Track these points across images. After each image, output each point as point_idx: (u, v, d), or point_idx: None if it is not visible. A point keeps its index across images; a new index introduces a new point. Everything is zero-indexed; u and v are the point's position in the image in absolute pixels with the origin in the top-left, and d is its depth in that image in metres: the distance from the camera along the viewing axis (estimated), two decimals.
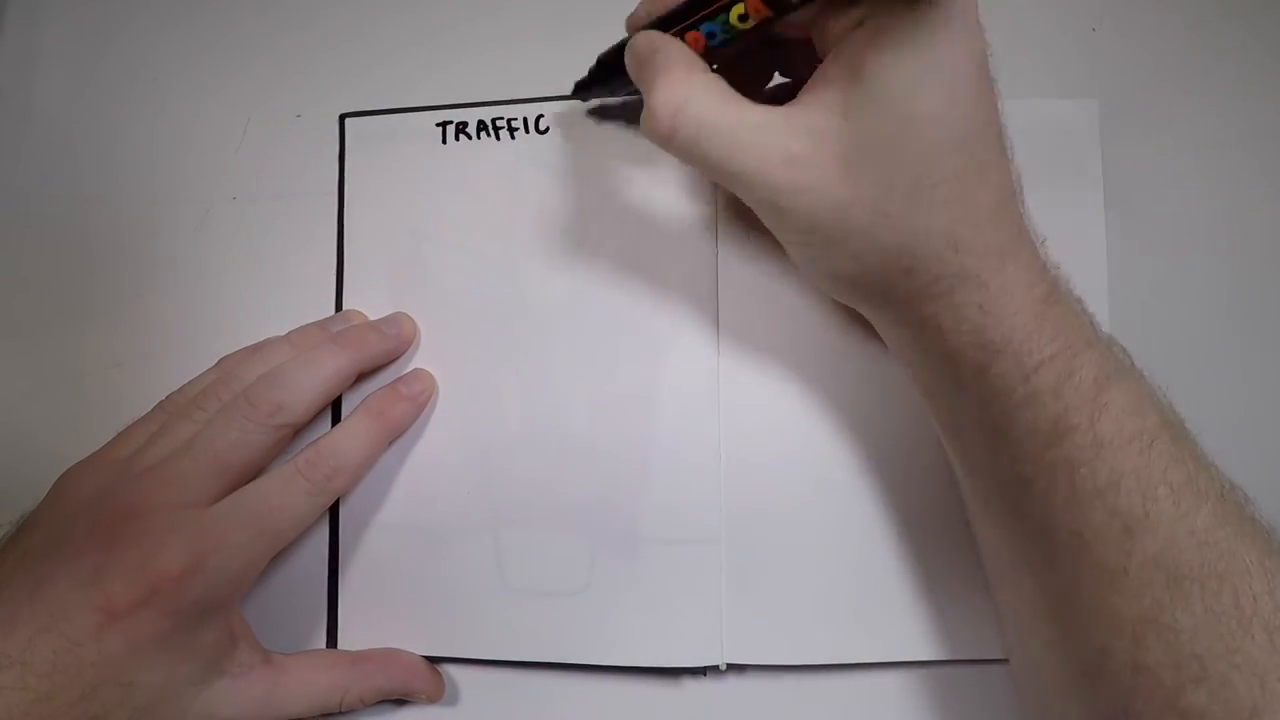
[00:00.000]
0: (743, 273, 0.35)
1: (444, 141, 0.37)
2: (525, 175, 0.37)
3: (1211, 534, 0.25)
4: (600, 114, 0.37)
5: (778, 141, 0.25)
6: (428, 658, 0.35)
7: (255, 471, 0.32)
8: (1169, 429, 0.26)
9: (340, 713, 0.33)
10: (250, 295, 0.36)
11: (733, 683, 0.34)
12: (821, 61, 0.27)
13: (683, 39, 0.28)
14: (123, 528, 0.29)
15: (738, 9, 0.27)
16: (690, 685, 0.34)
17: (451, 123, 0.37)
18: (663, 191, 0.36)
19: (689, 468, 0.35)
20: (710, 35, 0.28)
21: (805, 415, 0.35)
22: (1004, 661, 0.33)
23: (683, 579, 0.34)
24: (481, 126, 0.37)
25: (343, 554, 0.35)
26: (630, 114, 0.36)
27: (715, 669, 0.34)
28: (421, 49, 0.39)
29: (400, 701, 0.34)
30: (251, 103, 0.39)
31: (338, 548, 0.35)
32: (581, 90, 0.35)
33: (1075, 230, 0.36)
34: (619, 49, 0.32)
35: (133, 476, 0.30)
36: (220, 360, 0.35)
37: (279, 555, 0.35)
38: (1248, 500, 0.27)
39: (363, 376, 0.35)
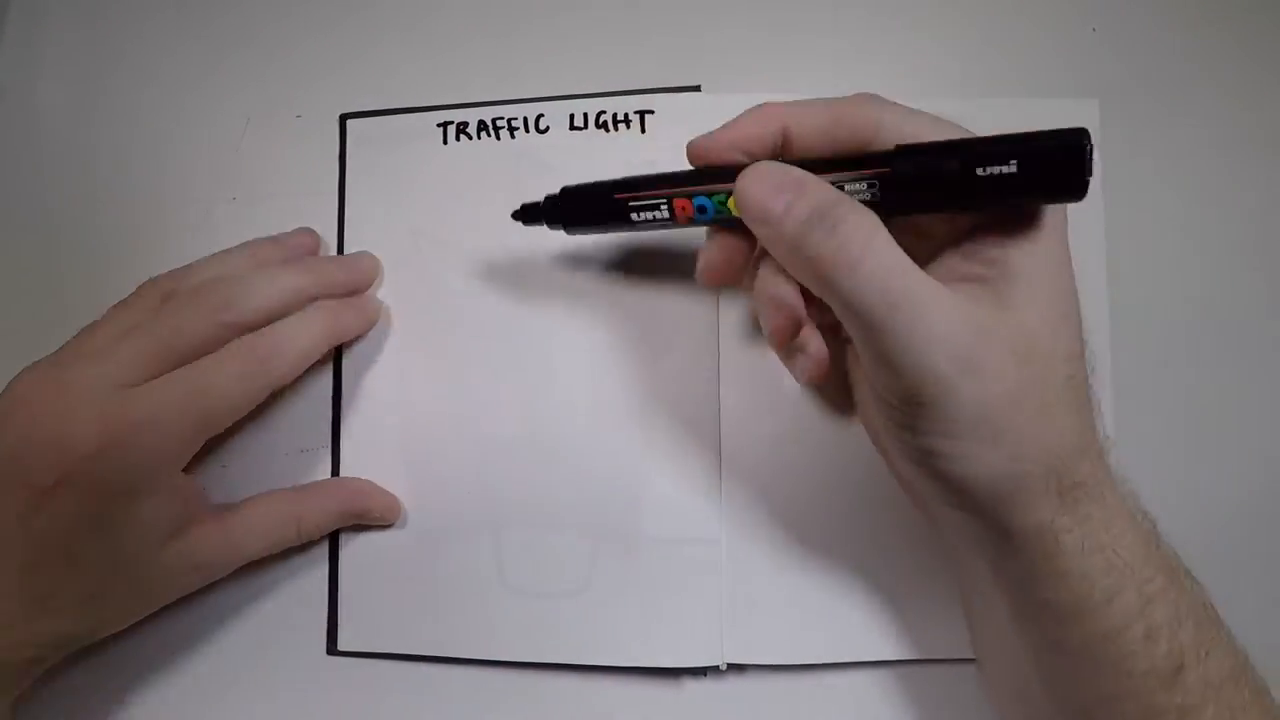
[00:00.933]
0: None
1: (445, 142, 0.37)
2: (526, 175, 0.37)
3: None
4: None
5: (961, 311, 0.23)
6: (428, 658, 0.35)
7: (192, 360, 0.31)
8: (1247, 667, 0.27)
9: (300, 543, 0.34)
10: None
11: (733, 682, 0.34)
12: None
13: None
14: (47, 406, 0.28)
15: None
16: (690, 685, 0.34)
17: (452, 123, 0.37)
18: None
19: (689, 468, 0.35)
20: (701, 210, 0.27)
21: (805, 415, 0.35)
22: None
23: (683, 579, 0.34)
24: (482, 127, 0.37)
25: (343, 554, 0.35)
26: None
27: (715, 669, 0.34)
28: (422, 49, 0.39)
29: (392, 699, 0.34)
30: (252, 103, 0.39)
31: (338, 548, 0.35)
32: (530, 217, 0.32)
33: (1075, 230, 0.36)
34: (594, 195, 0.30)
35: (69, 361, 0.30)
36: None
37: (279, 555, 0.35)
38: None
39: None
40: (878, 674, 0.34)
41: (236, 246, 0.35)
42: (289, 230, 0.37)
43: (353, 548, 0.35)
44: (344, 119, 0.38)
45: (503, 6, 0.39)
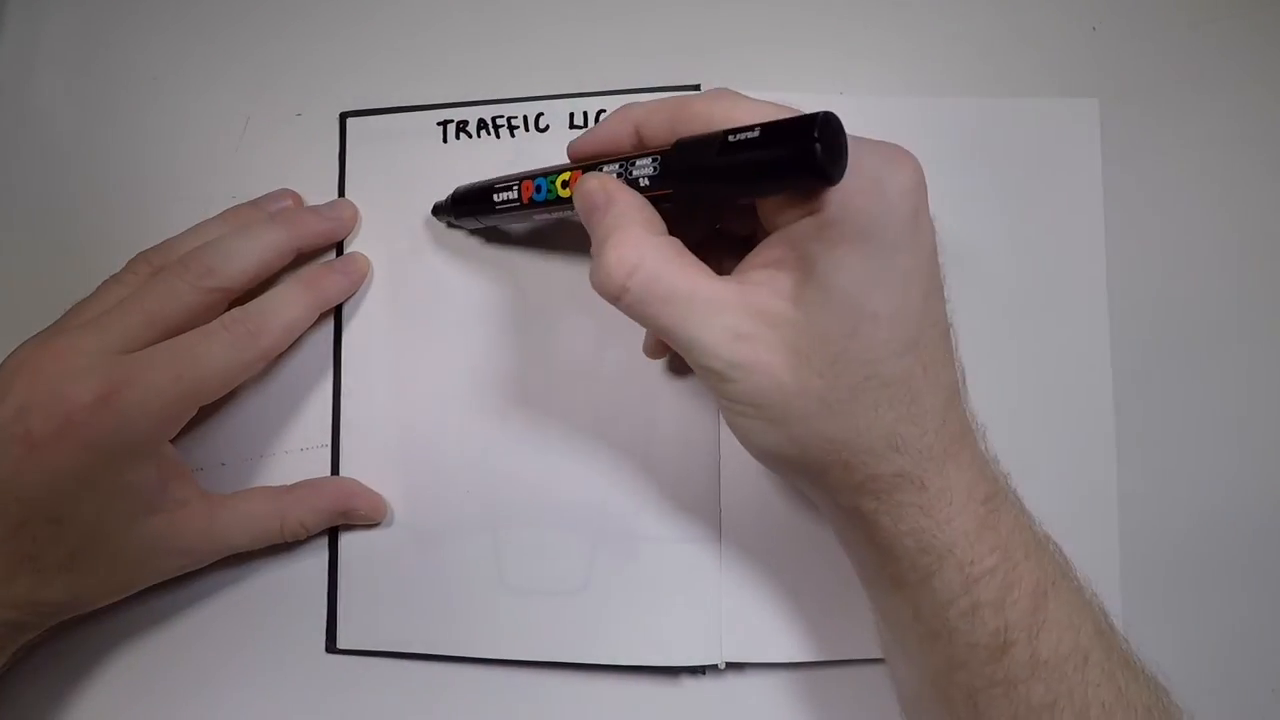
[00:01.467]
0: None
1: (444, 140, 0.37)
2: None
3: None
4: None
5: (730, 317, 0.25)
6: (426, 656, 0.35)
7: (183, 330, 0.32)
8: (1102, 639, 0.27)
9: (284, 541, 0.34)
10: (250, 295, 0.36)
11: (732, 681, 0.34)
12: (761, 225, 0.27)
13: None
14: (45, 369, 0.29)
15: (564, 176, 0.29)
16: (689, 684, 0.34)
17: (452, 121, 0.37)
18: None
19: (689, 468, 0.35)
20: (537, 189, 0.30)
21: None
22: None
23: (682, 579, 0.34)
24: (482, 125, 0.37)
25: (343, 554, 0.35)
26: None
27: (714, 668, 0.34)
28: (422, 47, 0.39)
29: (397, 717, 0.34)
30: (251, 101, 0.39)
31: (338, 548, 0.35)
32: (438, 212, 0.36)
33: (1075, 230, 0.36)
34: (472, 190, 0.33)
35: (63, 331, 0.31)
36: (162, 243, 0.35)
37: (279, 555, 0.35)
38: (1177, 708, 0.27)
39: (302, 258, 0.36)
40: (877, 673, 0.34)
41: (221, 213, 0.36)
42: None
43: (352, 546, 0.35)
44: (344, 117, 0.38)
45: (503, 5, 0.39)
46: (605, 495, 0.35)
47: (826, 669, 0.34)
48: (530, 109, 0.37)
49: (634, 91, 0.37)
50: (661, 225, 0.27)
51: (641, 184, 0.27)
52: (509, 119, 0.37)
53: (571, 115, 0.37)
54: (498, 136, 0.37)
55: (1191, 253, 0.37)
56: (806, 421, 0.25)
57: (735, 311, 0.25)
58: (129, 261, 0.34)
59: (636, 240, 0.26)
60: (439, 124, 0.37)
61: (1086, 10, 0.38)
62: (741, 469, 0.35)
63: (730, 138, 0.25)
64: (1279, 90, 0.37)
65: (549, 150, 0.36)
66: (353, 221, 0.37)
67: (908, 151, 0.25)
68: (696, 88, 0.37)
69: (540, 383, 0.36)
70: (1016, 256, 0.36)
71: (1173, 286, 0.36)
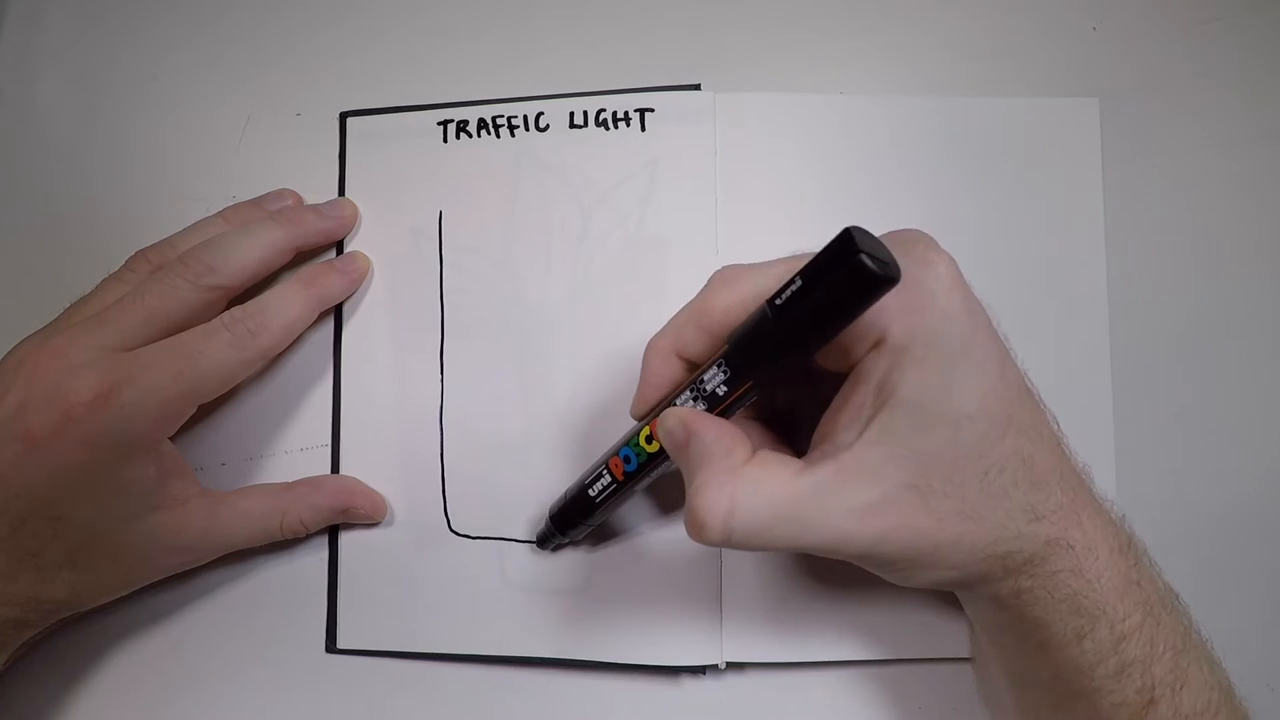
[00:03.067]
0: None
1: (445, 140, 0.37)
2: (526, 173, 0.37)
3: None
4: None
5: (842, 502, 0.25)
6: (427, 656, 0.35)
7: (183, 328, 0.32)
8: (1228, 696, 0.27)
9: (284, 538, 0.34)
10: (249, 294, 0.36)
11: (732, 681, 0.34)
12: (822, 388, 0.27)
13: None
14: (45, 367, 0.29)
15: (644, 432, 0.29)
16: (689, 683, 0.34)
17: (452, 121, 0.37)
18: (663, 196, 0.36)
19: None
20: (626, 459, 0.29)
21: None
22: None
23: (683, 578, 0.34)
24: (482, 124, 0.37)
25: (342, 552, 0.35)
26: None
27: (714, 667, 0.34)
28: (422, 47, 0.39)
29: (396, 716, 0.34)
30: (251, 101, 0.39)
31: (338, 548, 0.35)
32: (544, 543, 0.34)
33: (1075, 229, 0.36)
34: (567, 503, 0.32)
35: (63, 328, 0.31)
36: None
37: (279, 554, 0.35)
38: None
39: (302, 257, 0.36)
40: (877, 673, 0.34)
41: (220, 211, 0.36)
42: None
43: (352, 545, 0.35)
44: (344, 117, 0.38)
45: (503, 5, 0.39)
46: None
47: (826, 669, 0.34)
48: (530, 109, 0.37)
49: (634, 90, 0.37)
50: (745, 447, 0.26)
51: (720, 394, 0.26)
52: (509, 118, 0.37)
53: (571, 115, 0.37)
54: (498, 136, 0.37)
55: (1191, 253, 0.37)
56: (958, 545, 0.25)
57: (843, 490, 0.25)
58: (129, 259, 0.34)
59: (719, 480, 0.25)
60: (439, 123, 0.37)
61: (1086, 10, 0.38)
62: None
63: (776, 300, 0.24)
64: (1278, 90, 0.37)
65: (549, 150, 0.37)
66: (353, 220, 0.37)
67: (926, 236, 0.25)
68: (697, 87, 0.37)
69: (540, 382, 0.36)
70: (1016, 256, 0.36)
71: (1173, 286, 0.36)
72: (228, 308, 0.33)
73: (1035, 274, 0.36)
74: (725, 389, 0.26)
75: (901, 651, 0.34)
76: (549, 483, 0.35)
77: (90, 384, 0.29)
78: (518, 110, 0.37)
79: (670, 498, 0.34)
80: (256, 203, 0.36)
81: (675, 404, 0.27)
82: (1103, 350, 0.35)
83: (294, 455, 0.36)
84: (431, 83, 0.38)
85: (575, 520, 0.32)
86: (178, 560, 0.33)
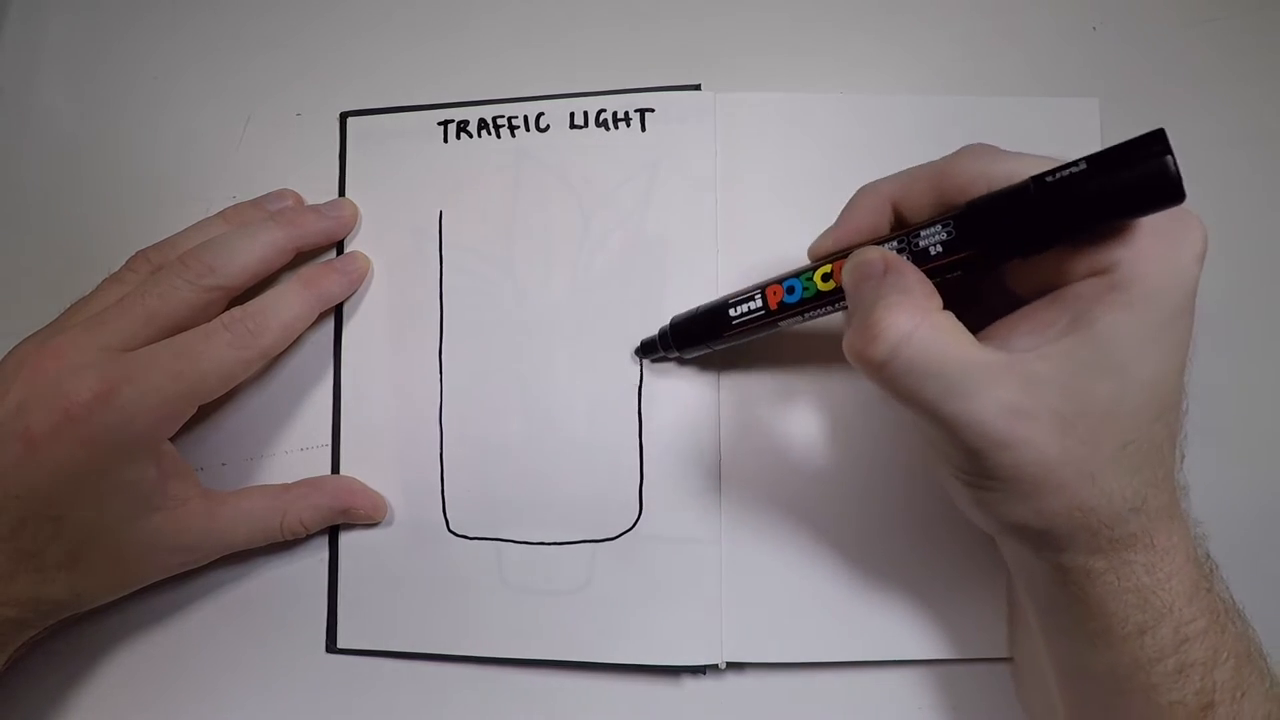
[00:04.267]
0: (744, 273, 0.35)
1: (445, 140, 0.37)
2: (527, 173, 0.37)
3: None
4: None
5: (997, 392, 0.24)
6: (427, 656, 0.35)
7: (183, 328, 0.32)
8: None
9: (284, 539, 0.34)
10: (250, 294, 0.36)
11: (732, 681, 0.34)
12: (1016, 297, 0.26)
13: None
14: (45, 367, 0.30)
15: (823, 269, 0.27)
16: (690, 684, 0.34)
17: (453, 121, 0.37)
18: (663, 197, 0.36)
19: (689, 468, 0.35)
20: (789, 290, 0.28)
21: (804, 416, 0.35)
22: (998, 660, 0.34)
23: (683, 578, 0.34)
24: (483, 125, 0.37)
25: (342, 552, 0.35)
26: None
27: (714, 667, 0.34)
28: (422, 47, 0.39)
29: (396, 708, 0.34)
30: (251, 101, 0.39)
31: (338, 547, 0.35)
32: (648, 351, 0.34)
33: None
34: (699, 315, 0.32)
35: (64, 328, 0.31)
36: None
37: (279, 554, 0.35)
38: None
39: (302, 257, 0.36)
40: (876, 673, 0.34)
41: (220, 211, 0.36)
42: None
43: (352, 545, 0.35)
44: (344, 117, 0.38)
45: (503, 5, 0.39)
46: (605, 495, 0.35)
47: (826, 669, 0.34)
48: (531, 109, 0.37)
49: (635, 90, 0.37)
50: (940, 301, 0.25)
51: (932, 252, 0.25)
52: (509, 119, 0.37)
53: (572, 115, 0.37)
54: (498, 136, 0.37)
55: None
56: (1062, 492, 0.25)
57: (1003, 382, 0.24)
58: (129, 260, 0.34)
59: (912, 309, 0.24)
60: (439, 124, 0.37)
61: (1086, 10, 0.38)
62: (742, 469, 0.35)
63: (1047, 178, 0.23)
64: (1278, 90, 0.37)
65: (550, 151, 0.37)
66: (353, 220, 0.37)
67: (1195, 215, 0.25)
68: (697, 88, 0.37)
69: (540, 382, 0.36)
70: None
71: None
72: (228, 308, 0.33)
73: None
74: (941, 249, 0.25)
75: (901, 653, 0.34)
76: (548, 483, 0.35)
77: (90, 384, 0.29)
78: (518, 110, 0.37)
79: (671, 496, 0.34)
80: (257, 203, 0.36)
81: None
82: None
83: (294, 455, 0.36)
84: (432, 83, 0.38)
85: (701, 336, 0.31)
86: (178, 560, 0.33)
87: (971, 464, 0.25)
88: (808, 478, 0.34)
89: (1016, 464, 0.24)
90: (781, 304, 0.28)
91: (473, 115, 0.37)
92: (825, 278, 0.27)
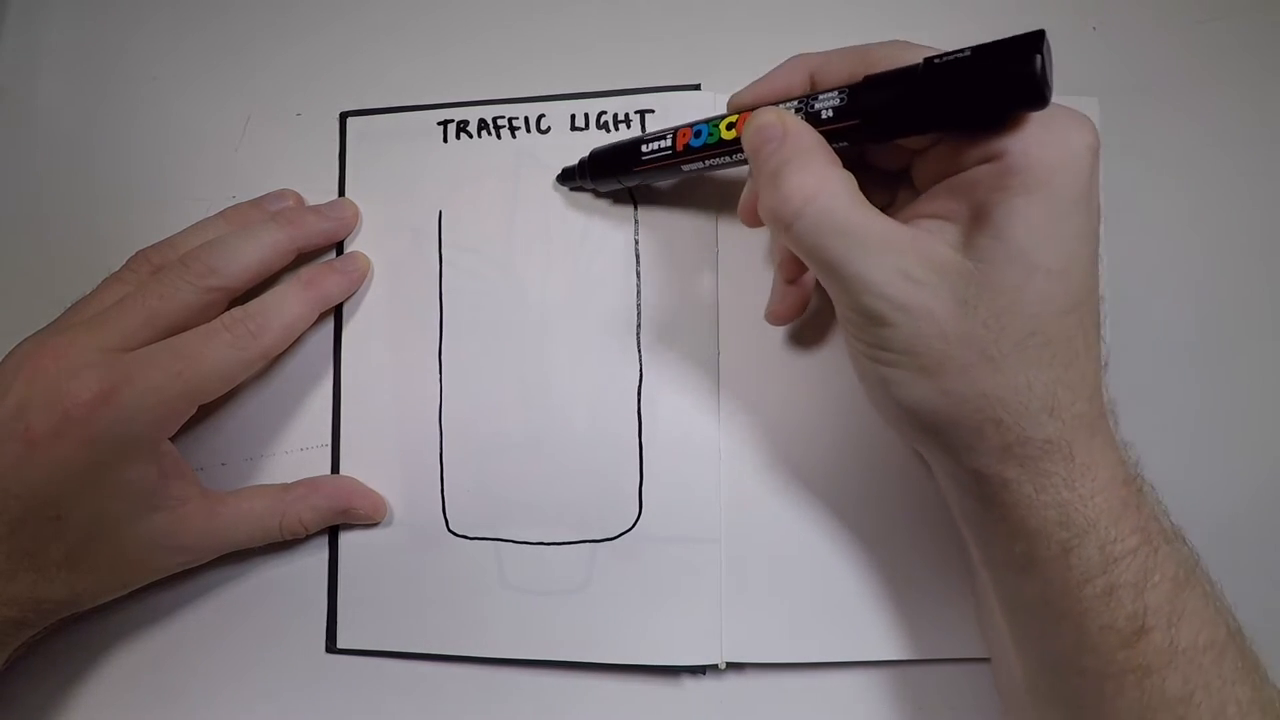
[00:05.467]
0: (743, 274, 0.35)
1: (445, 140, 0.37)
2: (527, 174, 0.37)
3: None
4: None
5: (902, 259, 0.25)
6: (427, 656, 0.35)
7: (183, 328, 0.32)
8: (1235, 640, 0.26)
9: (284, 539, 0.34)
10: (250, 294, 0.36)
11: (732, 681, 0.34)
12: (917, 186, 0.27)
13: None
14: (46, 366, 0.30)
15: (729, 119, 0.29)
16: (690, 684, 0.34)
17: (453, 121, 0.37)
18: (663, 196, 0.36)
19: (689, 468, 0.35)
20: (696, 133, 0.30)
21: (805, 416, 0.35)
22: None
23: (683, 578, 0.34)
24: (483, 125, 0.37)
25: (342, 552, 0.35)
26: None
27: (714, 667, 0.34)
28: (423, 47, 0.39)
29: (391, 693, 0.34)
30: (251, 101, 0.39)
31: (338, 547, 0.35)
32: (566, 178, 0.35)
33: None
34: (616, 148, 0.33)
35: (64, 328, 0.31)
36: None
37: (279, 554, 0.35)
38: None
39: (303, 257, 0.36)
40: (877, 674, 0.34)
41: (221, 211, 0.36)
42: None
43: (352, 546, 0.35)
44: (344, 117, 0.38)
45: (503, 5, 0.39)
46: (605, 495, 0.35)
47: (826, 669, 0.34)
48: (531, 109, 0.37)
49: (634, 92, 0.37)
50: (839, 161, 0.26)
51: (824, 115, 0.27)
52: (510, 119, 0.37)
53: (573, 116, 0.37)
54: (498, 137, 0.37)
55: (1191, 252, 0.37)
56: (964, 374, 0.25)
57: (907, 253, 0.25)
58: (129, 260, 0.34)
59: (819, 169, 0.25)
60: (439, 124, 0.37)
61: (1086, 10, 0.38)
62: (741, 469, 0.35)
63: (936, 60, 0.24)
64: (1278, 90, 0.37)
65: (551, 151, 0.37)
66: (354, 221, 0.37)
67: (1088, 117, 0.25)
68: (697, 87, 0.37)
69: (540, 383, 0.36)
70: None
71: (1172, 286, 0.36)
72: (228, 308, 0.33)
73: None
74: (831, 114, 0.26)
75: (901, 652, 0.34)
76: (548, 483, 0.35)
77: (90, 384, 0.29)
78: (519, 111, 0.37)
79: (671, 496, 0.34)
80: (257, 203, 0.36)
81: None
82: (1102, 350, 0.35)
83: (294, 455, 0.36)
84: (432, 83, 0.38)
85: (614, 169, 0.33)
86: (177, 560, 0.33)
87: (874, 333, 0.26)
88: (808, 478, 0.34)
89: (915, 333, 0.25)
90: (688, 146, 0.30)
91: (473, 116, 0.37)
92: (730, 126, 0.29)
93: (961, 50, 0.24)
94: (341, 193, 0.38)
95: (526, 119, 0.37)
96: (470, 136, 0.37)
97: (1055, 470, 0.25)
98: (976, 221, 0.25)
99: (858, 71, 0.27)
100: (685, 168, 0.31)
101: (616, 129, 0.37)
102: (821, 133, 0.27)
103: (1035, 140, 0.24)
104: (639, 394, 0.35)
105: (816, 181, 0.25)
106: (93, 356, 0.30)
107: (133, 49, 0.40)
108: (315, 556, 0.35)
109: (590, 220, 0.36)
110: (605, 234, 0.36)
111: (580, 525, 0.35)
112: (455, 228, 0.37)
